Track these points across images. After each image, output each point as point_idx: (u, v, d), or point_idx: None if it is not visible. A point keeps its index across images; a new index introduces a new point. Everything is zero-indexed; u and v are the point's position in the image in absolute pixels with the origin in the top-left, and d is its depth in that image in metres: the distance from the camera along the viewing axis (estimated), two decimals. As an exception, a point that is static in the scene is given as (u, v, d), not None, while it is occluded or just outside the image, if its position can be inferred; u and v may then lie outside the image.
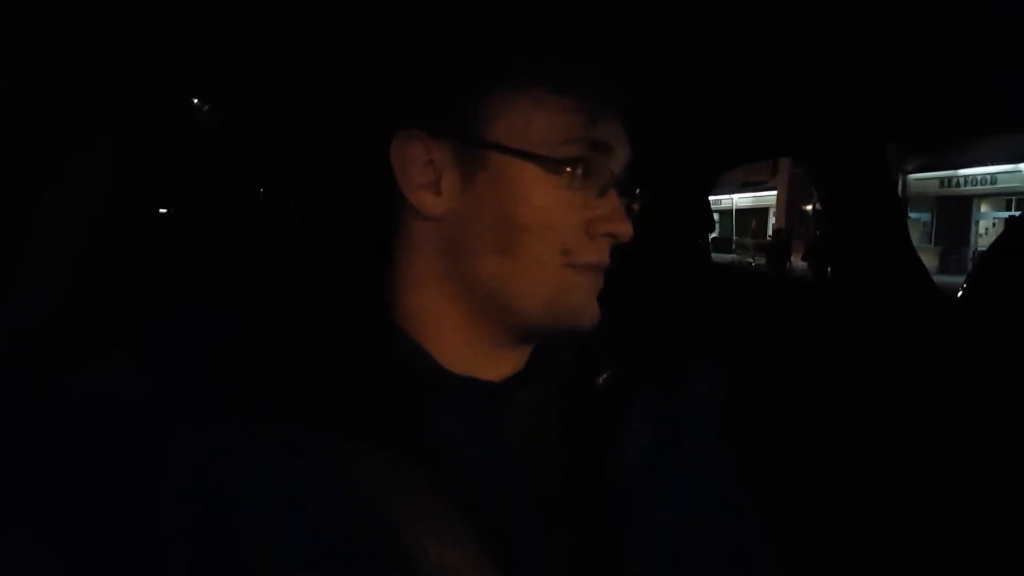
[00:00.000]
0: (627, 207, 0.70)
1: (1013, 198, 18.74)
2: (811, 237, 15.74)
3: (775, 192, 24.03)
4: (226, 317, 0.67)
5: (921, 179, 20.34)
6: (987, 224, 19.26)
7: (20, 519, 0.57)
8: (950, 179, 19.90)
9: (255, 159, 1.36)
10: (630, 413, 0.71)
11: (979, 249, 17.17)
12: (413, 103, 0.67)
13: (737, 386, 0.84)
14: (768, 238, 18.41)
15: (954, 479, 1.09)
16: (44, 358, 0.69)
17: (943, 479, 1.11)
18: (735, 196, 26.80)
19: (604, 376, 0.72)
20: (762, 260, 16.01)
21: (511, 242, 0.64)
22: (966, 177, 19.45)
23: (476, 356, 0.69)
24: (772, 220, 23.55)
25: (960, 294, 1.36)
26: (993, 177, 18.66)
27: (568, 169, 0.64)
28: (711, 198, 2.66)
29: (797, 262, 13.88)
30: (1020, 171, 17.68)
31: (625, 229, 0.68)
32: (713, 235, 3.70)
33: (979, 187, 19.37)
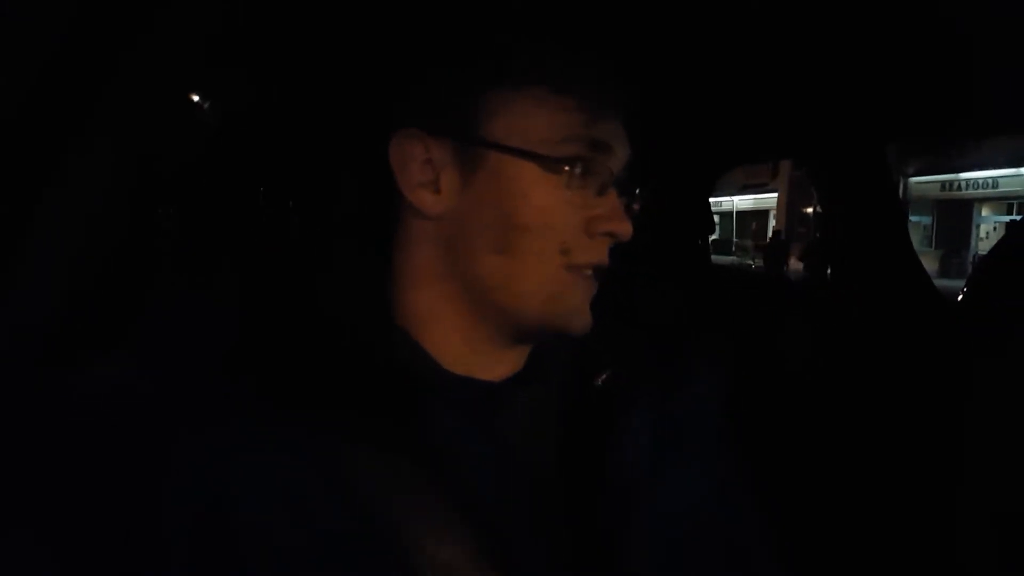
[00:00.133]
0: (627, 206, 0.70)
1: (1014, 202, 18.72)
2: (808, 240, 15.75)
3: (776, 194, 24.02)
4: (226, 317, 0.67)
5: (922, 182, 20.31)
6: (988, 228, 19.23)
7: (20, 519, 0.56)
8: (951, 183, 19.86)
9: (255, 159, 1.36)
10: (630, 413, 0.71)
11: (980, 253, 17.16)
12: (412, 102, 0.67)
13: (737, 386, 0.84)
14: (767, 240, 18.41)
15: (954, 479, 1.09)
16: (44, 358, 0.69)
17: (943, 479, 1.11)
18: (736, 198, 26.80)
19: (604, 376, 0.72)
20: (761, 262, 16.05)
21: (510, 241, 0.64)
22: (967, 181, 19.42)
23: (475, 356, 0.69)
24: (772, 222, 23.53)
25: (960, 298, 1.36)
26: (994, 181, 18.63)
27: (567, 168, 0.64)
28: (712, 200, 2.66)
29: (795, 264, 13.92)
30: (1022, 175, 17.63)
31: (625, 228, 0.68)
32: (713, 237, 3.70)
33: (980, 191, 19.35)
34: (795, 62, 1.26)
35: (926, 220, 20.80)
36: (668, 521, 0.68)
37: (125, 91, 0.74)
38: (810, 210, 20.52)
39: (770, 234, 19.88)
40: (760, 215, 26.12)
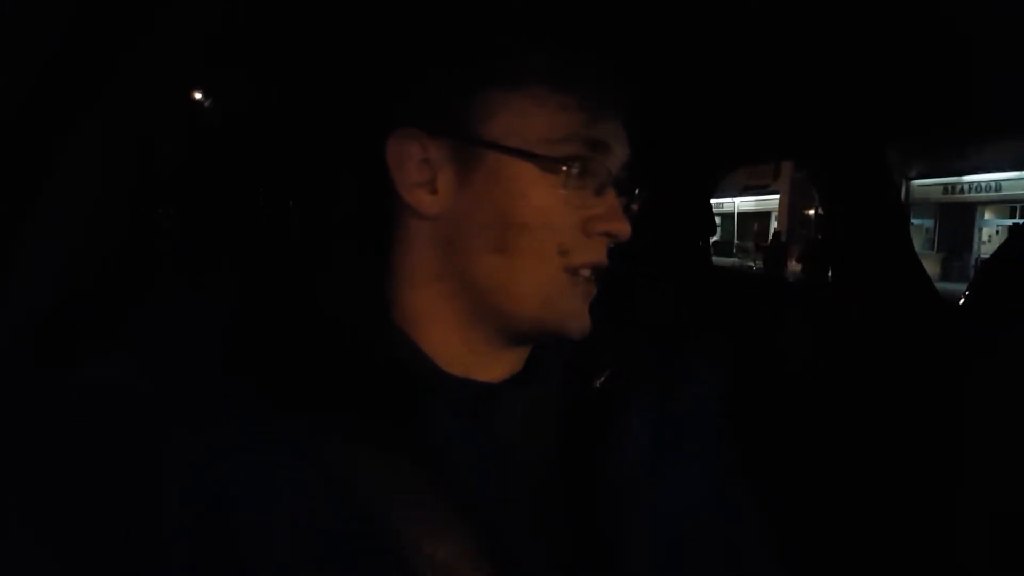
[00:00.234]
0: (626, 206, 0.70)
1: (1017, 205, 18.68)
2: (807, 241, 15.73)
3: (777, 196, 23.99)
4: (226, 317, 0.67)
5: (924, 185, 20.27)
6: (990, 231, 19.18)
7: (20, 519, 0.56)
8: (954, 185, 19.81)
9: (255, 159, 1.36)
10: (630, 413, 0.71)
11: (982, 256, 17.14)
12: (409, 101, 0.67)
13: (737, 386, 0.84)
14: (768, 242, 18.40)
15: (953, 479, 1.09)
16: (43, 357, 0.69)
17: (942, 479, 1.11)
18: (737, 200, 26.76)
19: (604, 376, 0.72)
20: (761, 264, 16.06)
21: (508, 241, 0.64)
22: (970, 183, 19.36)
23: (473, 356, 0.69)
24: (774, 224, 23.51)
25: (962, 301, 1.36)
26: (997, 184, 18.57)
27: (564, 168, 0.64)
28: (713, 201, 2.66)
29: (793, 266, 13.91)
30: (1025, 178, 17.63)
31: (623, 228, 0.67)
32: (715, 238, 3.70)
33: (983, 194, 19.28)
34: (796, 63, 1.26)
35: (928, 223, 20.76)
36: (668, 521, 0.68)
37: (125, 91, 0.74)
38: (812, 212, 20.50)
39: (771, 236, 19.86)
40: (762, 216, 26.09)
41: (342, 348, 0.64)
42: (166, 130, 0.82)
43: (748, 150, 2.23)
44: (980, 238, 19.60)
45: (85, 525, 0.56)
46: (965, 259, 18.74)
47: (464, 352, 0.68)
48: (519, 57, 0.65)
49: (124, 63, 0.73)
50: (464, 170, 0.65)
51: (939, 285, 1.96)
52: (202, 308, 0.69)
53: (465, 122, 0.65)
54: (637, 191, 0.72)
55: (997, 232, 18.62)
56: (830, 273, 2.21)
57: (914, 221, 19.61)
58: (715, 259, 3.07)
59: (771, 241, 17.39)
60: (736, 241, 25.83)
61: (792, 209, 22.84)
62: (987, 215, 19.81)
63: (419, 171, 0.66)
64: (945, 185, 20.04)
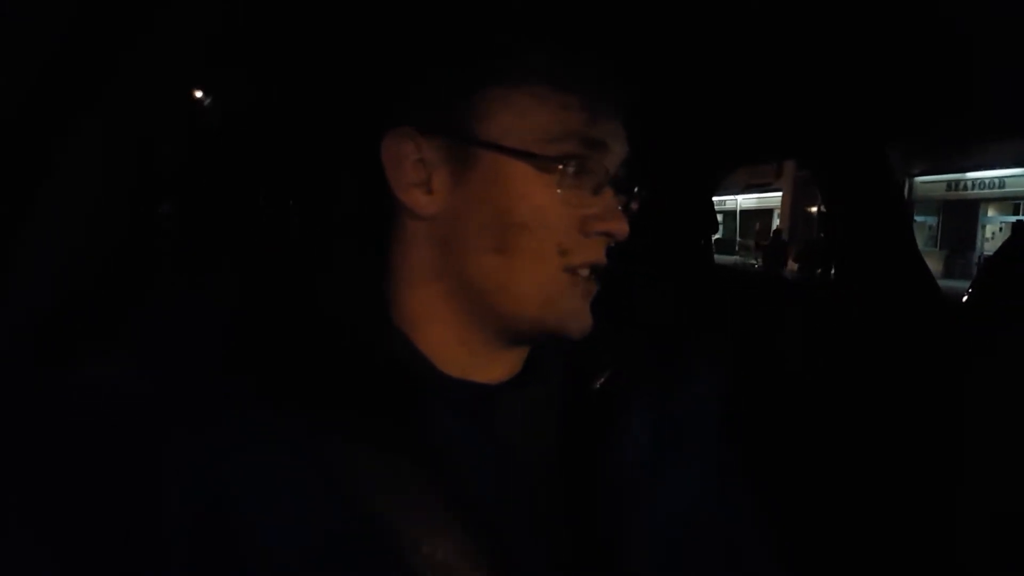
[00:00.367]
0: (624, 206, 0.69)
1: (1021, 202, 18.63)
2: (804, 240, 15.72)
3: (780, 194, 23.96)
4: (226, 317, 0.67)
5: (928, 182, 20.22)
6: (994, 228, 19.14)
7: (20, 519, 0.56)
8: (957, 182, 19.76)
9: (255, 158, 1.36)
10: (630, 413, 0.71)
11: (985, 254, 17.09)
12: (407, 101, 0.67)
13: (737, 386, 0.84)
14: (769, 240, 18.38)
15: (953, 479, 1.09)
16: (43, 357, 0.69)
17: (942, 478, 1.11)
18: (739, 197, 26.74)
19: (604, 376, 0.72)
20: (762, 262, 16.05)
21: (505, 241, 0.64)
22: (973, 181, 19.31)
23: (471, 357, 0.69)
24: (776, 222, 23.47)
25: (965, 299, 1.36)
26: (1001, 181, 18.52)
27: (561, 167, 0.64)
28: (715, 199, 2.65)
29: (792, 265, 13.90)
30: (1028, 175, 17.58)
31: (621, 227, 0.67)
32: (717, 236, 3.69)
33: (987, 191, 19.24)
34: (797, 62, 1.26)
35: (931, 220, 20.72)
36: (668, 521, 0.68)
37: (125, 91, 0.74)
38: (814, 210, 20.46)
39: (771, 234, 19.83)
40: (764, 214, 26.06)
41: (341, 348, 0.64)
42: (166, 130, 0.82)
43: (750, 149, 2.22)
44: (983, 235, 19.56)
45: (85, 525, 0.56)
46: (968, 256, 18.70)
47: (462, 352, 0.68)
48: (519, 57, 0.65)
49: (124, 63, 0.73)
50: (460, 170, 0.65)
51: (943, 282, 1.96)
52: (202, 308, 0.69)
53: (460, 121, 0.64)
54: (636, 190, 0.72)
55: (1000, 229, 18.58)
56: (831, 272, 2.21)
57: (917, 218, 19.57)
58: (717, 257, 3.06)
59: (771, 239, 17.38)
60: (738, 239, 25.81)
61: (795, 207, 22.81)
62: (990, 212, 19.78)
63: (414, 171, 0.66)
64: (948, 182, 19.99)
